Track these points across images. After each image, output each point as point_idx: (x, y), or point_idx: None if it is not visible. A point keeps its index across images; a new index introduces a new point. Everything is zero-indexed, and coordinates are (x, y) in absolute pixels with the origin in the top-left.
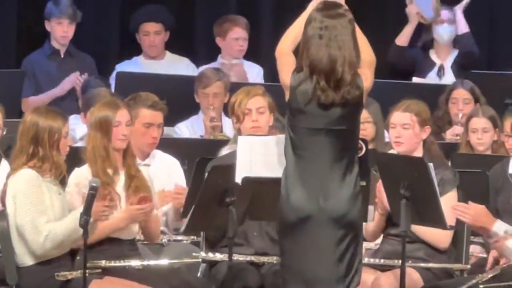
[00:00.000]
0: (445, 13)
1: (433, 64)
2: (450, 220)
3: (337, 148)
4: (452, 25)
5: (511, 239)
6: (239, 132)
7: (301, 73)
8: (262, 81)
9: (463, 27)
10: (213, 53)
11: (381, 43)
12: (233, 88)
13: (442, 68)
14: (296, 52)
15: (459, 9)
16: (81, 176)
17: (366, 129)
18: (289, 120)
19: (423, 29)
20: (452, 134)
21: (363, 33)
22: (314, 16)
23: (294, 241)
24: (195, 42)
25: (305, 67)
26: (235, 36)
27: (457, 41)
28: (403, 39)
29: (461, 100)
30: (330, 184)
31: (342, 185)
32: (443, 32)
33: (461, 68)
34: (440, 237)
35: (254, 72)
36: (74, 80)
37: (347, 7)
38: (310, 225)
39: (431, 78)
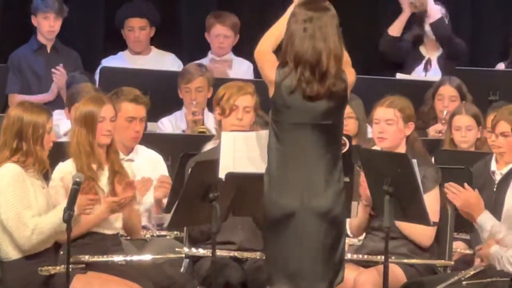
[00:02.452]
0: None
1: (422, 58)
2: (433, 217)
3: (322, 143)
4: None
5: (494, 245)
6: (219, 124)
7: (285, 68)
8: (252, 77)
9: (434, 14)
10: (199, 48)
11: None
12: (218, 84)
13: (429, 62)
14: (278, 51)
15: None
16: (66, 170)
17: (348, 125)
18: (274, 116)
19: (415, 24)
20: (435, 131)
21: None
22: (297, 10)
23: (278, 237)
24: (181, 38)
25: (289, 61)
26: (216, 33)
27: (432, 29)
28: (395, 29)
29: (447, 97)
30: (315, 180)
31: (327, 181)
32: None
33: (447, 59)
34: (423, 234)
35: (244, 68)
36: (60, 78)
37: (329, 2)
38: (294, 221)
39: (418, 72)
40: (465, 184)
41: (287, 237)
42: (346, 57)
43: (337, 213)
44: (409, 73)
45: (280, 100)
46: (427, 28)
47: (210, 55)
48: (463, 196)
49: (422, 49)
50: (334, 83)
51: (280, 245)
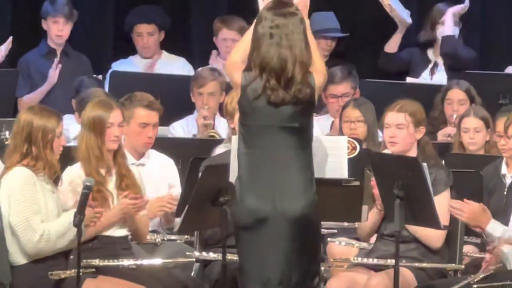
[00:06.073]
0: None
1: (429, 61)
2: (443, 220)
3: (291, 146)
4: (456, 27)
5: (506, 245)
6: (233, 132)
7: (251, 72)
8: None
9: (447, 30)
10: (210, 52)
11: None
12: (231, 88)
13: (436, 65)
14: None
15: (450, 11)
16: (74, 174)
17: (357, 128)
18: (241, 119)
19: (428, 27)
20: (443, 134)
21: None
22: (264, 15)
23: (251, 244)
24: (192, 42)
25: (254, 66)
26: (223, 37)
27: (441, 43)
28: (391, 46)
29: (456, 101)
30: (287, 184)
31: (299, 185)
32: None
33: (450, 69)
34: (433, 236)
35: None
36: (55, 67)
37: (297, 6)
38: (267, 226)
39: (424, 75)
40: (465, 199)
41: (261, 242)
42: (316, 58)
43: (310, 217)
44: (416, 76)
45: (246, 104)
46: (441, 32)
47: (218, 59)
48: (467, 210)
49: (430, 53)
50: (300, 90)
51: (253, 251)
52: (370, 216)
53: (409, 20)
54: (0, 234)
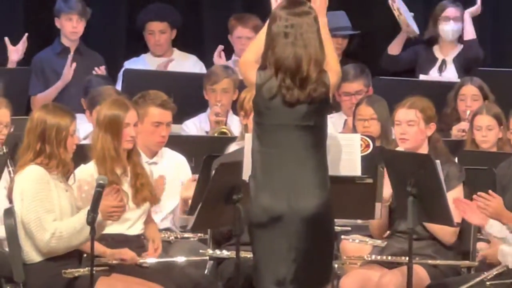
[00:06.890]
0: (451, 11)
1: (435, 59)
2: (456, 216)
3: (306, 145)
4: (458, 23)
5: (503, 245)
6: (245, 128)
7: (266, 71)
8: None
9: (469, 34)
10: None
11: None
12: (244, 86)
13: (444, 63)
14: None
15: (468, 13)
16: (85, 172)
17: (371, 126)
18: (256, 117)
19: (431, 25)
20: (458, 129)
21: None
22: (279, 14)
23: (266, 242)
24: (204, 40)
25: (269, 65)
26: (237, 35)
27: (464, 47)
28: (395, 48)
29: (470, 97)
30: (302, 182)
31: (314, 183)
32: (448, 30)
33: (465, 68)
34: (447, 231)
35: None
36: (69, 65)
37: (311, 5)
38: (281, 224)
39: (432, 73)
40: (490, 191)
41: (275, 240)
42: (331, 57)
43: (324, 215)
44: (425, 74)
45: (261, 102)
46: (443, 29)
47: (233, 57)
48: (493, 205)
49: (436, 51)
50: (315, 89)
51: (268, 249)
52: (384, 209)
53: (417, 31)
54: (13, 233)
